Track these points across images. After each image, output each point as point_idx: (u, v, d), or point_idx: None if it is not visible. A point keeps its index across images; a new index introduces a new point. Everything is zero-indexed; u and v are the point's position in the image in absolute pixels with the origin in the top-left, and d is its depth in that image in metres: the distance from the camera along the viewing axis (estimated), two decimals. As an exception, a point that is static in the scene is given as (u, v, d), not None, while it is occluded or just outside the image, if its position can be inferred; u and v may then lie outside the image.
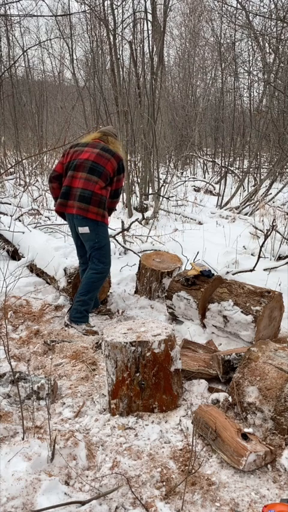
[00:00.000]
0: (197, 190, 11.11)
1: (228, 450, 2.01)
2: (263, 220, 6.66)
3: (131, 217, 7.38)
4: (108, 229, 3.76)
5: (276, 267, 4.71)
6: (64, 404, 2.53)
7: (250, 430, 2.12)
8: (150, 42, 8.10)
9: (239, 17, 9.34)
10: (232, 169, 11.31)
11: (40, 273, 4.44)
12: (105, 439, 2.20)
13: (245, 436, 2.05)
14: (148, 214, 7.39)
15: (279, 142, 8.58)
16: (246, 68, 11.78)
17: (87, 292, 3.52)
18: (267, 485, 1.92)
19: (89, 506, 1.77)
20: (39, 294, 4.20)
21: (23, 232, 4.99)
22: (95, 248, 3.48)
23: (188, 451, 2.10)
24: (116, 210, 3.70)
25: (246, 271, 4.21)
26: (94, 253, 3.50)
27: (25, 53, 12.30)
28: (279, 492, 1.88)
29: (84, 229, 3.42)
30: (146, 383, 2.37)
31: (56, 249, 4.38)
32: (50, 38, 16.13)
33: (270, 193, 8.92)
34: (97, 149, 3.43)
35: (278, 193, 8.91)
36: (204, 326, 3.48)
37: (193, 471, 1.95)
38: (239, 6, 8.57)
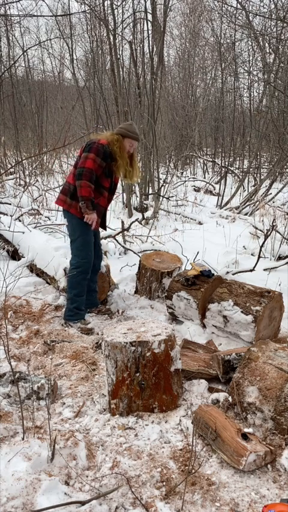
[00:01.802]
0: (197, 190, 11.11)
1: (228, 450, 2.01)
2: (263, 220, 6.66)
3: (131, 217, 7.38)
4: (82, 222, 3.43)
5: (276, 267, 4.71)
6: (64, 404, 2.53)
7: (250, 430, 2.12)
8: (150, 42, 8.10)
9: (239, 17, 9.34)
10: (232, 169, 11.31)
11: (40, 273, 4.43)
12: (105, 439, 2.20)
13: (245, 436, 2.05)
14: (148, 214, 7.39)
15: (279, 142, 8.58)
16: (246, 68, 11.79)
17: (70, 289, 3.52)
18: (267, 485, 1.92)
19: (89, 506, 1.77)
20: (39, 294, 4.20)
21: (23, 232, 4.99)
22: (70, 241, 3.51)
23: (188, 451, 2.10)
24: (80, 197, 3.26)
25: (246, 271, 4.21)
26: (71, 246, 3.53)
27: (25, 53, 12.31)
28: (279, 492, 1.88)
29: (65, 221, 3.53)
30: (146, 383, 2.37)
31: (56, 249, 4.38)
32: (50, 38, 16.13)
33: (270, 193, 8.92)
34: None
35: (278, 193, 8.91)
36: (204, 326, 3.47)
37: (193, 471, 1.95)
38: (239, 6, 8.57)
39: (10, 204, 6.38)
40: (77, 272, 3.46)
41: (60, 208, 3.48)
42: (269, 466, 2.01)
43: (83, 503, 1.78)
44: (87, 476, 1.97)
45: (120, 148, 3.40)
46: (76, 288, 3.51)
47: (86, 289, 3.75)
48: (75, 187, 3.34)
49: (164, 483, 1.91)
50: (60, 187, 8.04)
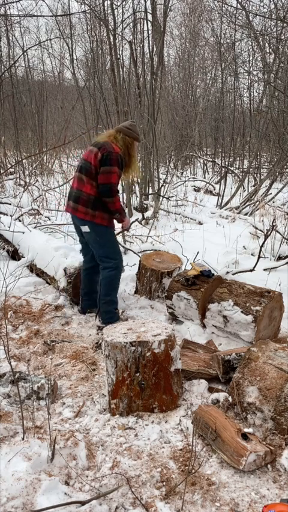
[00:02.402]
0: (197, 190, 11.11)
1: (228, 450, 2.01)
2: (263, 220, 6.66)
3: (131, 217, 7.37)
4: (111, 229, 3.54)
5: (276, 267, 4.71)
6: (64, 404, 2.53)
7: (250, 430, 2.12)
8: (150, 42, 8.10)
9: (239, 17, 9.34)
10: (232, 169, 11.31)
11: (40, 273, 4.43)
12: (105, 439, 2.20)
13: (245, 436, 2.05)
14: (148, 214, 7.38)
15: (279, 142, 8.58)
16: (246, 68, 11.79)
17: (110, 291, 3.50)
18: (267, 485, 1.92)
19: (89, 506, 1.77)
20: (39, 294, 4.20)
21: (23, 232, 4.99)
22: (97, 248, 3.47)
23: (188, 451, 2.10)
24: (114, 210, 3.36)
25: (246, 271, 4.21)
26: (100, 252, 3.47)
27: (25, 53, 12.30)
28: (279, 492, 1.88)
29: (84, 228, 3.44)
30: (146, 383, 2.37)
31: (56, 249, 4.38)
32: (50, 38, 16.12)
33: (270, 193, 8.92)
34: (91, 146, 3.38)
35: (278, 193, 8.91)
36: (204, 326, 3.47)
37: (193, 471, 1.96)
38: (239, 6, 8.57)
39: (10, 204, 6.38)
40: (116, 272, 3.49)
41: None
42: (269, 466, 2.01)
43: (83, 503, 1.78)
44: (87, 476, 1.97)
45: (132, 156, 3.42)
46: (116, 288, 3.55)
47: (89, 290, 3.74)
48: (95, 197, 3.31)
49: (164, 483, 1.91)
50: (63, 189, 8.06)
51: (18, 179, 9.27)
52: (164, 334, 2.42)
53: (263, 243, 4.56)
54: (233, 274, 4.14)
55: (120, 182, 3.64)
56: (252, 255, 5.26)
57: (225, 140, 11.99)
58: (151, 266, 4.08)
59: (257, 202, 8.16)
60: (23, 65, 13.48)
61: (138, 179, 3.77)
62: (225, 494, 1.87)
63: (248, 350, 2.50)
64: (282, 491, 1.88)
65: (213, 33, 13.50)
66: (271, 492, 1.88)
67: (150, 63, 8.01)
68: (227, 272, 4.05)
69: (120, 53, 8.51)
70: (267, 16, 7.98)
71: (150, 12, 8.37)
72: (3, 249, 5.08)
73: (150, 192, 8.24)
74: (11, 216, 5.52)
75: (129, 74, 8.90)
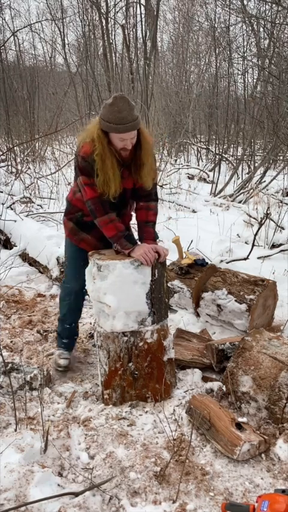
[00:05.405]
0: (191, 177, 11.03)
1: (222, 439, 2.00)
2: (257, 208, 6.62)
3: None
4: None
5: (270, 255, 4.70)
6: (57, 394, 2.51)
7: (244, 420, 2.11)
8: (143, 26, 7.95)
9: (233, 1, 9.19)
10: (226, 156, 11.23)
11: (32, 262, 4.39)
12: (99, 429, 2.19)
13: (239, 426, 2.05)
14: (141, 202, 7.31)
15: (274, 129, 8.51)
16: (240, 53, 11.62)
17: (60, 310, 2.84)
18: (261, 474, 1.92)
19: (83, 497, 1.76)
20: (31, 283, 4.16)
21: (15, 221, 4.93)
22: None
23: (182, 440, 2.09)
24: (109, 238, 2.38)
25: (240, 259, 4.20)
26: None
27: (15, 36, 12.05)
28: (273, 481, 1.88)
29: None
30: (139, 372, 2.36)
31: (49, 237, 4.33)
32: (40, 20, 15.78)
33: (264, 181, 8.87)
34: None
35: (272, 180, 8.86)
36: (198, 315, 3.46)
37: (187, 461, 1.95)
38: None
39: (2, 192, 6.29)
40: (61, 295, 2.81)
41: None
42: (263, 455, 2.01)
43: (76, 494, 1.77)
44: (80, 467, 1.96)
45: (102, 155, 2.24)
46: (61, 310, 2.83)
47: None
48: (68, 201, 2.63)
49: (158, 473, 1.90)
50: (55, 177, 7.95)
51: (9, 167, 9.13)
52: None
53: (257, 231, 4.54)
54: (227, 262, 4.12)
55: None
56: (246, 243, 5.24)
57: (219, 127, 11.88)
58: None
59: (251, 190, 8.12)
60: (13, 49, 13.22)
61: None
62: (219, 484, 1.87)
63: (242, 339, 2.49)
64: (276, 480, 1.88)
65: (208, 18, 13.29)
66: (265, 481, 1.88)
67: (143, 48, 7.88)
68: (221, 261, 4.04)
69: (113, 37, 8.36)
70: None
71: (143, -5, 8.21)
72: (-5, 237, 5.02)
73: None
74: (3, 204, 5.44)
75: (122, 60, 8.76)
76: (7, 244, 4.92)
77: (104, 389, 2.42)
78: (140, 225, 2.57)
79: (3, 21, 12.30)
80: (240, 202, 8.10)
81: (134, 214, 2.68)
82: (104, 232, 2.37)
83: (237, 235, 5.53)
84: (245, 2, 8.59)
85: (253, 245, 4.28)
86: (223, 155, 10.57)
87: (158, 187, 8.04)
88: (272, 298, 3.28)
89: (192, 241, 4.72)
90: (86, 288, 2.49)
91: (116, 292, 2.22)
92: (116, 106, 2.16)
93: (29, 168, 8.97)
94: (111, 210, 2.36)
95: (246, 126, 11.12)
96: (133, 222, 2.72)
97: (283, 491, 1.56)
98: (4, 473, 1.83)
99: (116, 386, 2.38)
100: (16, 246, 4.63)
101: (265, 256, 4.65)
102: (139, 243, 2.43)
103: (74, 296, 2.70)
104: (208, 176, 10.67)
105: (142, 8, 8.17)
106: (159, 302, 2.33)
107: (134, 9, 8.72)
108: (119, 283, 2.21)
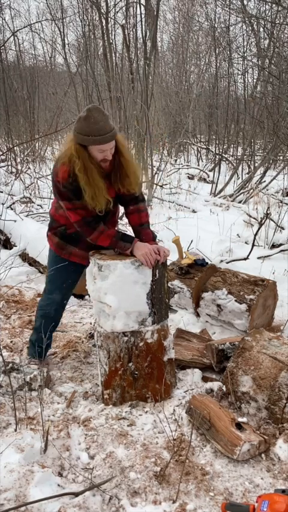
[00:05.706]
0: (191, 177, 11.03)
1: (223, 439, 2.00)
2: (257, 208, 6.62)
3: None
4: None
5: (270, 255, 4.70)
6: (57, 394, 2.51)
7: (244, 420, 2.11)
8: (143, 26, 7.96)
9: (233, 1, 9.19)
10: (226, 156, 11.23)
11: (32, 262, 4.39)
12: (99, 429, 2.19)
13: (239, 426, 2.05)
14: (141, 202, 7.31)
15: (274, 129, 8.51)
16: (240, 53, 11.62)
17: (36, 322, 2.76)
18: (261, 474, 1.92)
19: (83, 497, 1.76)
20: (31, 283, 4.16)
21: (15, 221, 4.93)
22: None
23: (182, 440, 2.09)
24: (112, 245, 2.35)
25: (240, 259, 4.20)
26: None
27: (15, 36, 12.04)
28: (272, 481, 1.88)
29: None
30: (139, 372, 2.36)
31: (49, 237, 4.33)
32: (40, 20, 15.78)
33: (264, 181, 8.88)
34: None
35: (272, 180, 8.86)
36: (198, 315, 3.46)
37: (187, 461, 1.95)
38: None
39: (2, 192, 6.29)
40: (38, 308, 2.76)
41: (53, 196, 2.67)
42: (262, 455, 2.01)
43: (76, 494, 1.77)
44: (80, 467, 1.96)
45: (84, 169, 2.19)
46: (36, 322, 2.76)
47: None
48: (51, 215, 2.59)
49: (158, 473, 1.90)
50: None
51: (9, 167, 9.13)
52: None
53: (257, 231, 4.54)
54: (227, 262, 4.12)
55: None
56: (246, 243, 5.24)
57: (219, 127, 11.88)
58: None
59: (251, 190, 8.12)
60: (13, 49, 13.21)
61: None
62: (219, 484, 1.87)
63: (242, 339, 2.49)
64: (276, 480, 1.88)
65: (208, 18, 13.29)
66: (265, 481, 1.88)
67: (143, 48, 7.88)
68: (221, 261, 4.03)
69: (113, 37, 8.36)
70: None
71: (143, -5, 8.21)
72: (-5, 237, 5.02)
73: (144, 179, 8.16)
74: (3, 204, 5.44)
75: (122, 60, 8.76)
76: (7, 244, 4.92)
77: (104, 389, 2.42)
78: (135, 229, 2.54)
79: (3, 21, 12.29)
80: (240, 202, 8.11)
81: (119, 221, 2.61)
82: (100, 245, 2.37)
83: (237, 235, 5.53)
84: (245, 2, 8.59)
85: (253, 245, 4.28)
86: (223, 155, 10.58)
87: (157, 187, 8.07)
88: (272, 298, 3.28)
89: (192, 241, 4.72)
90: (67, 300, 2.60)
91: (117, 292, 2.22)
92: (91, 117, 2.14)
93: (29, 168, 8.97)
94: (97, 222, 2.34)
95: (246, 126, 11.13)
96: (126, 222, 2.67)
97: (283, 491, 1.56)
98: (4, 473, 1.83)
99: (116, 386, 2.38)
100: (16, 246, 4.63)
101: (265, 256, 4.66)
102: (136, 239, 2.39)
103: (55, 307, 2.66)
104: (208, 176, 10.67)
105: (142, 8, 8.17)
106: (159, 302, 2.33)
107: (134, 9, 8.71)
108: (119, 283, 2.21)
